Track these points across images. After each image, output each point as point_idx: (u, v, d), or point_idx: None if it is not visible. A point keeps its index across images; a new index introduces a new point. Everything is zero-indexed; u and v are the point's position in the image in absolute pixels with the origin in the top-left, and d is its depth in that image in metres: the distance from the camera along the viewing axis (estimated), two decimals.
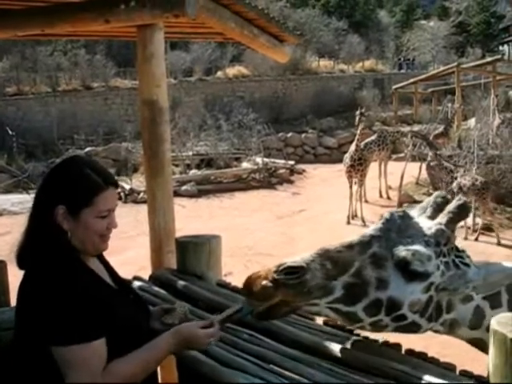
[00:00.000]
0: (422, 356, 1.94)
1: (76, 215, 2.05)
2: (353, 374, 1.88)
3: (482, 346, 2.02)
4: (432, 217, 2.01)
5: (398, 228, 1.90)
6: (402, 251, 1.84)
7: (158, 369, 2.64)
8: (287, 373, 1.95)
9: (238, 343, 2.21)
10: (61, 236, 2.04)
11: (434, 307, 1.91)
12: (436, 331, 1.99)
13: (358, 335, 2.16)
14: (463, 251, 2.02)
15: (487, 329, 1.94)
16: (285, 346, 2.13)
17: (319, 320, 2.34)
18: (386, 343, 2.04)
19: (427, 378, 1.74)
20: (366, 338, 2.12)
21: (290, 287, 1.77)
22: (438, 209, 2.04)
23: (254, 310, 1.89)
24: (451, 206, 2.00)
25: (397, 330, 1.91)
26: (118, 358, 1.95)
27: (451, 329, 1.99)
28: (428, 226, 1.94)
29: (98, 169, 2.14)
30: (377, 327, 1.89)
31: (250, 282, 1.83)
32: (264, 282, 1.78)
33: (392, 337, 2.10)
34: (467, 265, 1.94)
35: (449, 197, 2.11)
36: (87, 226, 2.07)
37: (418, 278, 1.85)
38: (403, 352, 1.99)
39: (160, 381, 2.84)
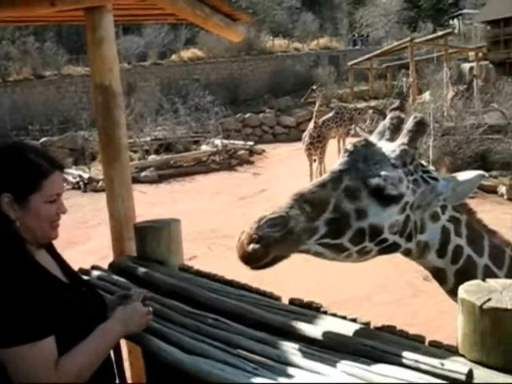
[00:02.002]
0: (390, 329, 1.91)
1: (24, 202, 1.96)
2: (322, 353, 1.84)
3: (442, 277, 2.14)
4: (391, 138, 2.06)
5: (363, 157, 1.93)
6: (373, 179, 1.88)
7: (126, 357, 2.58)
8: (255, 356, 1.91)
9: (202, 328, 2.15)
10: (8, 226, 1.94)
11: (411, 226, 1.98)
12: (408, 253, 2.07)
13: (325, 312, 2.13)
14: (428, 166, 2.09)
15: (451, 260, 2.08)
16: (251, 328, 2.08)
17: (285, 300, 2.31)
18: (353, 320, 2.01)
19: (398, 351, 1.71)
20: (334, 314, 2.09)
21: (279, 240, 1.76)
22: (395, 130, 2.09)
23: None
24: (409, 125, 2.04)
25: (379, 253, 1.97)
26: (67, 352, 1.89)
27: (423, 252, 2.07)
28: (391, 148, 1.99)
29: (41, 153, 2.08)
30: (362, 254, 1.94)
31: (240, 250, 1.79)
32: (251, 246, 1.75)
33: (359, 313, 2.08)
34: (435, 178, 2.02)
35: (403, 116, 2.15)
36: (37, 212, 1.98)
37: (393, 201, 1.90)
38: (372, 327, 1.96)
39: (129, 368, 2.78)
